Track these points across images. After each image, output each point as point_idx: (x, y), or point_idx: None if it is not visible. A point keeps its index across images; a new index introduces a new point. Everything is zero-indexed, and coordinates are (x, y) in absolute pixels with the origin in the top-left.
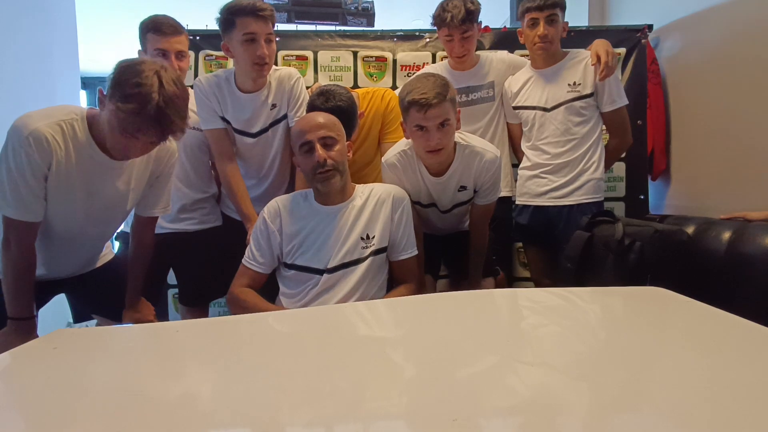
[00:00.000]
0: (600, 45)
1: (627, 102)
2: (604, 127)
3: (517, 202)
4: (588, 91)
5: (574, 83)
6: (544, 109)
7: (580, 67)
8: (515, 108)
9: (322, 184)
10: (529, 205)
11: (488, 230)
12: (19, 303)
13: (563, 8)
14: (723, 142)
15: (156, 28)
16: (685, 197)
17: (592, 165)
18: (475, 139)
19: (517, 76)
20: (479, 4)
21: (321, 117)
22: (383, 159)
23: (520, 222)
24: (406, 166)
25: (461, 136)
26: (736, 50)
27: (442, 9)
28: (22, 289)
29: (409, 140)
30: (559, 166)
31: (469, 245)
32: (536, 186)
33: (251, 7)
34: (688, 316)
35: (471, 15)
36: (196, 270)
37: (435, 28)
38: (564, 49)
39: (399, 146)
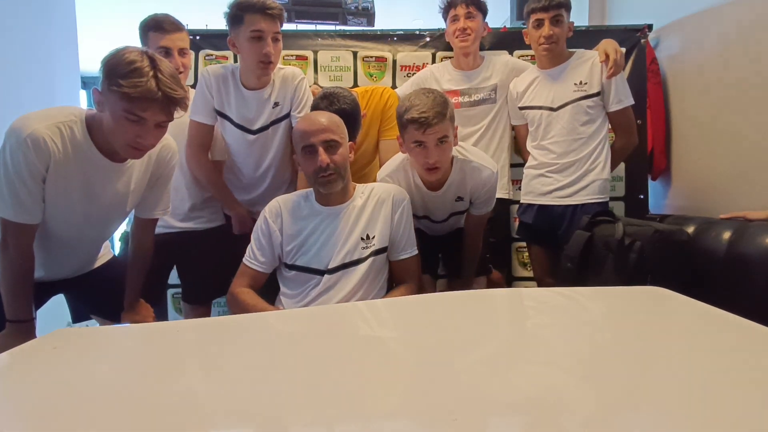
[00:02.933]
0: (608, 43)
1: (633, 102)
2: (609, 126)
3: (521, 201)
4: (595, 90)
5: (581, 82)
6: (551, 109)
7: (587, 66)
8: (521, 108)
9: (324, 187)
10: (534, 204)
11: (482, 238)
12: (17, 305)
13: (568, 9)
14: (723, 142)
15: (157, 26)
16: (685, 197)
17: (598, 165)
18: (473, 152)
19: (522, 77)
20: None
21: (324, 118)
22: (378, 175)
23: (524, 221)
24: (401, 182)
25: (458, 149)
26: (736, 50)
27: None
28: (20, 292)
29: (405, 155)
30: (564, 165)
31: (463, 246)
32: (541, 185)
33: (261, 5)
34: (688, 316)
35: (477, 1)
36: (203, 267)
37: (434, 28)
38: (570, 50)
39: (394, 162)
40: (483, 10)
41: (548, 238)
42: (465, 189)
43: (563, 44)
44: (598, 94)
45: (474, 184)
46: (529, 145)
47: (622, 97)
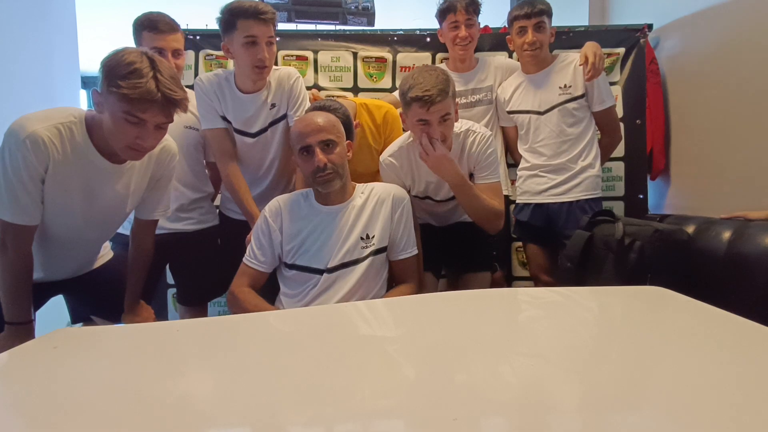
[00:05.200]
0: (589, 47)
1: (614, 102)
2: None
3: (517, 201)
4: (579, 92)
5: (565, 86)
6: (538, 113)
7: (570, 69)
8: (509, 113)
9: (323, 186)
10: (530, 203)
11: (501, 202)
12: (16, 307)
13: (550, 15)
14: (723, 141)
15: (152, 26)
16: (685, 197)
17: (589, 163)
18: (466, 123)
19: (508, 81)
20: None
21: (320, 118)
22: (381, 158)
23: (521, 219)
24: (403, 162)
25: (455, 124)
26: (736, 50)
27: None
28: (19, 294)
29: (407, 136)
30: (556, 166)
31: (469, 238)
32: (536, 185)
33: (253, 10)
34: (688, 316)
35: (475, 5)
36: (195, 269)
37: (435, 28)
38: (554, 52)
39: (396, 143)
40: (479, 14)
41: (544, 236)
42: (462, 160)
43: (546, 49)
44: (582, 96)
45: (469, 149)
46: (521, 148)
47: (604, 98)
